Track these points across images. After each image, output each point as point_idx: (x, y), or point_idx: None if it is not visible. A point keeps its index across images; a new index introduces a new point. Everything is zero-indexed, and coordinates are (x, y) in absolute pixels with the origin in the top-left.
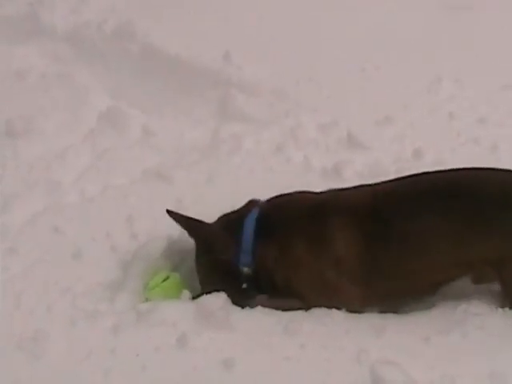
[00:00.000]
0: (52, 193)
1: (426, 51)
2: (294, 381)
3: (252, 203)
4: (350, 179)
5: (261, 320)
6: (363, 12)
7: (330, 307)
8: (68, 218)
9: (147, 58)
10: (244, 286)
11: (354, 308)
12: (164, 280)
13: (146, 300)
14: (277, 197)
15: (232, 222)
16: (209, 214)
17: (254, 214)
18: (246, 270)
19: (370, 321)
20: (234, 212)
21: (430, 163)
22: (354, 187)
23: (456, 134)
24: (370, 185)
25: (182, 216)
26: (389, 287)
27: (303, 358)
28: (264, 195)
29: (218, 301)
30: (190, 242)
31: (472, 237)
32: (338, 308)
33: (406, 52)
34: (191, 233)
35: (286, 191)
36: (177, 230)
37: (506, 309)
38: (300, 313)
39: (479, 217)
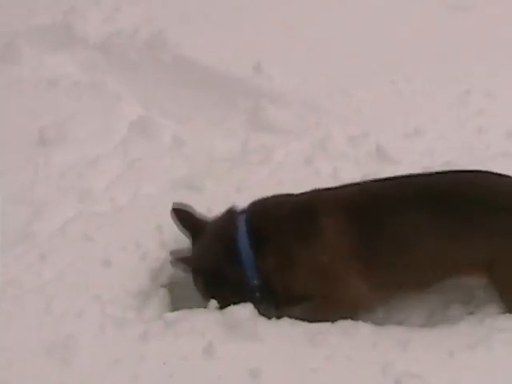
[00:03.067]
0: (83, 200)
1: (455, 63)
2: None
3: (233, 214)
4: None
5: (287, 331)
6: (393, 25)
7: (339, 305)
8: (98, 225)
9: (179, 68)
10: (257, 295)
11: (362, 302)
12: None
13: None
14: (256, 203)
15: (224, 241)
16: None
17: (243, 226)
18: (255, 282)
19: (396, 334)
20: (219, 229)
21: None
22: (336, 187)
23: (485, 147)
24: (355, 183)
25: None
26: (388, 280)
27: (329, 370)
28: None
29: (245, 311)
30: None
31: (458, 240)
32: (350, 308)
33: (435, 64)
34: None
35: None
36: None
37: None
38: (326, 324)
39: (466, 220)
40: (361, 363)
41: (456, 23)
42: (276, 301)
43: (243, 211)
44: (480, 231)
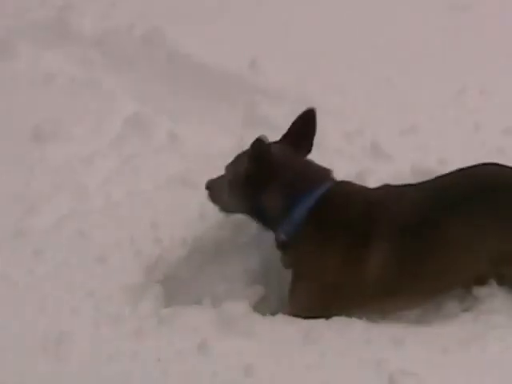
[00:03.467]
0: (78, 197)
1: (451, 61)
2: None
3: (320, 178)
4: None
5: (282, 328)
6: (389, 22)
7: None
8: (93, 222)
9: (175, 64)
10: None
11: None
12: None
13: None
14: (346, 184)
15: (297, 184)
16: (231, 221)
17: (316, 194)
18: (282, 237)
19: (390, 331)
20: (304, 172)
21: None
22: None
23: (481, 144)
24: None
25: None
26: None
27: (323, 367)
28: None
29: (240, 307)
30: (212, 248)
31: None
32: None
33: (432, 61)
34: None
35: None
36: (200, 236)
37: None
38: (321, 321)
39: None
40: (355, 360)
41: (452, 21)
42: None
43: (330, 181)
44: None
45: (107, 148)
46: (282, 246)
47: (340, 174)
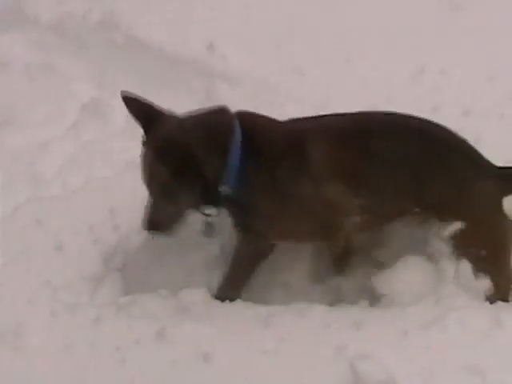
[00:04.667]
0: (35, 185)
1: (411, 42)
2: (272, 374)
3: (229, 118)
4: None
5: (240, 313)
6: (349, 3)
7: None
8: (50, 210)
9: (131, 48)
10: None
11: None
12: None
13: None
14: (247, 114)
15: (216, 135)
16: None
17: (238, 132)
18: (225, 189)
19: (350, 315)
20: (212, 122)
21: None
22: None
23: None
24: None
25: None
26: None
27: (282, 352)
28: None
29: (197, 294)
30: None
31: (425, 179)
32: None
33: (391, 42)
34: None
35: None
36: None
37: (487, 303)
38: (279, 307)
39: (436, 161)
40: (314, 345)
41: (411, 1)
42: (240, 218)
43: (240, 119)
44: (442, 176)
45: (64, 134)
46: (232, 201)
47: None
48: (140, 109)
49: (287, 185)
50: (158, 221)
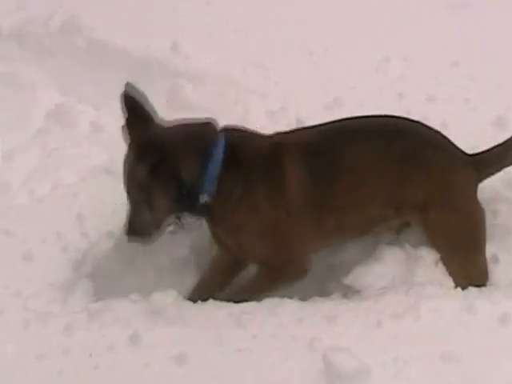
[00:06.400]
0: (1, 195)
1: (373, 31)
2: (246, 372)
3: (214, 130)
4: None
5: (212, 313)
6: None
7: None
8: (18, 219)
9: (95, 52)
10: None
11: (306, 246)
12: None
13: None
14: (234, 130)
15: (198, 143)
16: None
17: (222, 144)
18: (204, 198)
19: (322, 309)
20: (196, 131)
21: None
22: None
23: (406, 113)
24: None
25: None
26: (334, 221)
27: (255, 349)
28: None
29: (169, 297)
30: None
31: (402, 178)
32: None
33: (353, 33)
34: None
35: None
36: None
37: (459, 289)
38: (252, 304)
39: (411, 159)
40: (287, 340)
41: None
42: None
43: (225, 132)
44: (419, 172)
45: (29, 142)
46: (208, 210)
47: None
48: (134, 107)
49: (258, 199)
50: (138, 226)
